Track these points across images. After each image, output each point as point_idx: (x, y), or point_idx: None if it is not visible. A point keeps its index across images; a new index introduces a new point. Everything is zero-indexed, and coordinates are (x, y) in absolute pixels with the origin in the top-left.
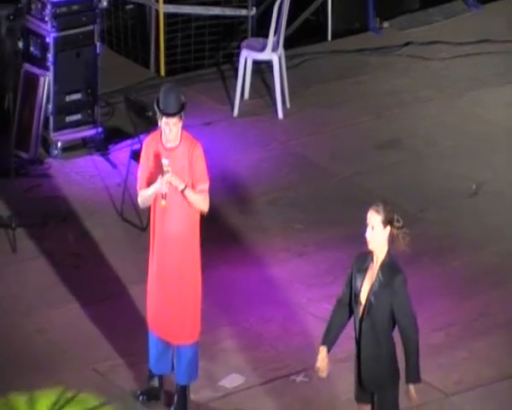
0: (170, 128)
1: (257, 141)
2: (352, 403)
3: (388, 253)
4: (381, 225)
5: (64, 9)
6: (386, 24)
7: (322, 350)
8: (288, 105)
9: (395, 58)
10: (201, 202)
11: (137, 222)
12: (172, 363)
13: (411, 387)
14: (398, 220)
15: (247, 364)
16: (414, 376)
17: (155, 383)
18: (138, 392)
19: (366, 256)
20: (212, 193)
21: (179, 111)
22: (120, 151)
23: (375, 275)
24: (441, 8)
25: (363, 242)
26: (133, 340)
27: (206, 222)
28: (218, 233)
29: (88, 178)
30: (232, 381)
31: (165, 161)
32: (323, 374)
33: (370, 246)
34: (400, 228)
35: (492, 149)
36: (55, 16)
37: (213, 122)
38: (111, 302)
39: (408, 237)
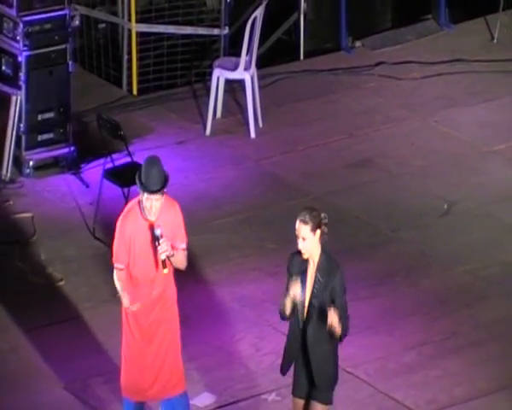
0: (151, 204)
1: (229, 160)
2: None
3: (323, 252)
4: (310, 234)
5: (36, 28)
6: (358, 43)
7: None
8: (260, 124)
9: (367, 77)
10: (183, 262)
11: (109, 241)
12: None
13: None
14: (324, 217)
15: (218, 383)
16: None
17: None
18: None
19: (302, 259)
20: (184, 212)
21: (162, 187)
22: (93, 170)
23: (313, 278)
24: (413, 27)
25: (338, 262)
26: (103, 358)
27: None
28: (191, 252)
29: (60, 196)
30: (203, 400)
31: (157, 231)
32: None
33: (305, 256)
34: (325, 224)
35: (464, 169)
36: (26, 35)
37: (186, 141)
38: (82, 321)
39: (326, 229)
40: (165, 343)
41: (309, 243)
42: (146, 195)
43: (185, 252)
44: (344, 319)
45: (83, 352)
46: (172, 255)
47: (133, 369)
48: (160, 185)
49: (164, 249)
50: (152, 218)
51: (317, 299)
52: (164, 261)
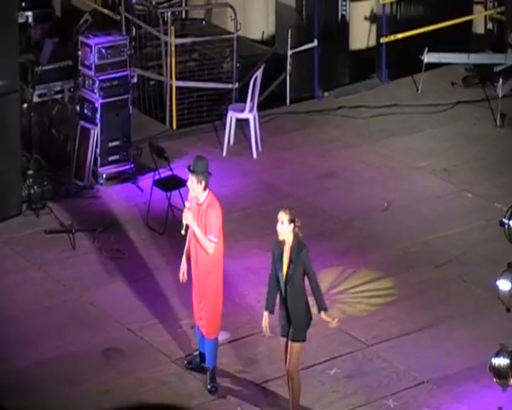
0: (189, 182)
1: (239, 173)
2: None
3: (295, 238)
4: (287, 222)
5: (107, 84)
6: (326, 93)
7: (266, 315)
8: (259, 149)
9: (332, 117)
10: (207, 245)
11: (158, 228)
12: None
13: (322, 313)
14: (298, 221)
15: (231, 324)
16: (322, 305)
17: (197, 358)
18: (185, 361)
19: (280, 244)
20: None
21: (196, 172)
22: (145, 180)
23: (288, 254)
24: (364, 83)
25: (305, 244)
26: (156, 309)
27: None
28: None
29: (123, 198)
30: (221, 336)
31: (186, 204)
32: (267, 333)
33: (280, 237)
34: (299, 227)
35: (398, 179)
36: (101, 88)
37: (209, 160)
38: (141, 282)
39: (300, 230)
40: (203, 295)
41: (285, 227)
42: (189, 174)
43: (211, 244)
44: (318, 288)
45: (140, 304)
46: (194, 230)
47: (193, 305)
48: (196, 169)
49: (184, 216)
50: (191, 194)
51: (291, 269)
52: (185, 226)
